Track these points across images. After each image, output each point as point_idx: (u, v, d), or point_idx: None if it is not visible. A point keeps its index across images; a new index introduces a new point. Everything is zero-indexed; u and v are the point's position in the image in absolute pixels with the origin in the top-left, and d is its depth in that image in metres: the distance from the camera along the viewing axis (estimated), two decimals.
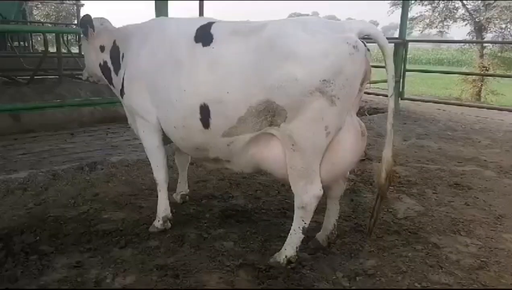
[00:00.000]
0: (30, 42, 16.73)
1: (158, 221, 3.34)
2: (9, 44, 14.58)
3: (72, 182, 4.18)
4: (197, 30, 2.87)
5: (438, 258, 3.09)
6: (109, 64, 3.46)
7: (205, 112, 2.75)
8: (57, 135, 6.54)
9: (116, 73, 3.41)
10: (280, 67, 2.50)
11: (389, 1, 19.53)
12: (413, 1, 17.08)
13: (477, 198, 4.31)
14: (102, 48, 3.48)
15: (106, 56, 3.47)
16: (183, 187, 3.94)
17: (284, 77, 2.49)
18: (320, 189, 2.72)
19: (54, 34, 12.53)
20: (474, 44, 18.00)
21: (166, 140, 3.31)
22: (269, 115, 2.61)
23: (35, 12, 25.67)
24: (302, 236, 2.86)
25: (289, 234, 2.91)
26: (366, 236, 3.38)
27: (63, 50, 11.41)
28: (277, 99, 2.54)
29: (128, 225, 3.43)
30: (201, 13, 8.77)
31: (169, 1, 5.10)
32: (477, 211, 3.98)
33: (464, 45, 19.35)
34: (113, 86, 3.54)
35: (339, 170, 2.79)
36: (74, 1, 21.46)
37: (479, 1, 17.17)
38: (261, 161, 2.84)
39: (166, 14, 4.93)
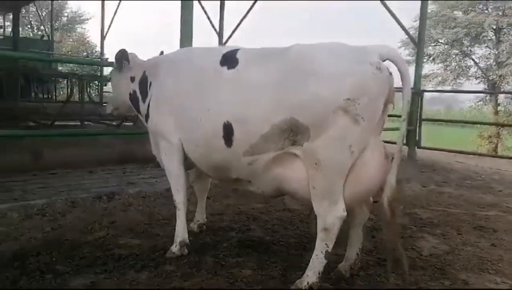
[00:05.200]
0: (54, 93, 17.45)
1: (175, 246, 3.27)
2: (33, 93, 15.25)
3: (89, 209, 4.17)
4: (223, 55, 2.98)
5: None
6: (138, 93, 3.58)
7: (228, 130, 2.78)
8: (76, 173, 6.60)
9: (143, 101, 3.51)
10: (304, 86, 2.55)
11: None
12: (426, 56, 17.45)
13: (503, 239, 4.15)
14: (132, 79, 3.62)
15: (135, 86, 3.60)
16: (200, 216, 3.90)
17: (307, 96, 2.53)
18: (343, 210, 2.65)
19: (78, 84, 13.06)
20: (489, 101, 18.14)
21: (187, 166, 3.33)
22: (292, 134, 2.62)
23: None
24: (325, 261, 2.75)
25: (311, 259, 2.80)
26: (390, 270, 3.24)
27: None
28: (300, 117, 2.56)
29: (144, 250, 3.36)
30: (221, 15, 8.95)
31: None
32: (504, 251, 3.82)
33: (478, 101, 19.41)
34: (140, 114, 3.62)
35: (363, 191, 2.74)
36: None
37: (492, 60, 17.52)
38: (283, 181, 2.81)
39: (191, 14, 5.16)
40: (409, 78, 2.66)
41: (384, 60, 2.61)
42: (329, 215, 2.65)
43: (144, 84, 3.52)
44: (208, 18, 9.39)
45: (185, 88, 3.05)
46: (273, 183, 2.86)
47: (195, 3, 5.49)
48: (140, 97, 3.56)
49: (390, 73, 2.64)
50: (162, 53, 3.85)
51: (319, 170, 2.59)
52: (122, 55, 3.56)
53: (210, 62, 2.99)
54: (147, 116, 3.39)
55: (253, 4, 8.29)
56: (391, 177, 2.66)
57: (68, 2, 38.05)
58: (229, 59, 2.90)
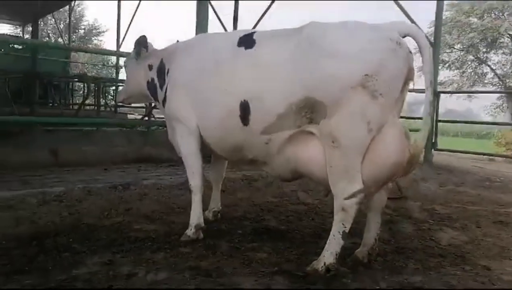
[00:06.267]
0: (71, 100, 17.77)
1: (191, 229, 3.26)
2: (50, 101, 15.55)
3: (106, 197, 4.20)
4: (240, 37, 3.00)
5: (490, 278, 2.86)
6: (156, 81, 3.60)
7: (244, 109, 2.79)
8: (91, 170, 6.67)
9: (161, 88, 3.53)
10: (321, 63, 2.54)
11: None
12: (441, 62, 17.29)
13: None
14: (150, 67, 3.65)
15: (153, 74, 3.62)
16: (215, 204, 3.89)
17: (325, 73, 2.52)
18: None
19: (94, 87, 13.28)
20: (506, 108, 17.85)
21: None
22: (309, 112, 2.61)
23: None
24: (342, 242, 2.71)
25: (328, 240, 2.76)
26: (409, 257, 3.19)
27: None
28: (317, 95, 2.55)
29: (160, 235, 3.36)
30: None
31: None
32: None
33: (495, 108, 19.05)
34: (157, 101, 3.64)
35: (382, 171, 2.69)
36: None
37: (508, 66, 17.28)
38: (300, 162, 2.79)
39: (206, 15, 5.19)
40: (430, 53, 2.62)
41: (404, 36, 2.59)
42: (347, 195, 2.62)
43: (162, 72, 3.54)
44: (221, 21, 9.48)
45: (202, 70, 3.07)
46: (289, 164, 2.84)
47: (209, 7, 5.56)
48: (158, 84, 3.58)
49: (410, 52, 2.62)
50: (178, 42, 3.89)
51: (337, 148, 2.57)
52: (141, 42, 3.60)
53: (227, 44, 3.01)
54: (164, 101, 3.41)
55: (270, 5, 8.36)
56: (421, 136, 2.65)
57: (86, 14, 38.93)
58: (246, 40, 2.92)
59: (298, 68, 2.62)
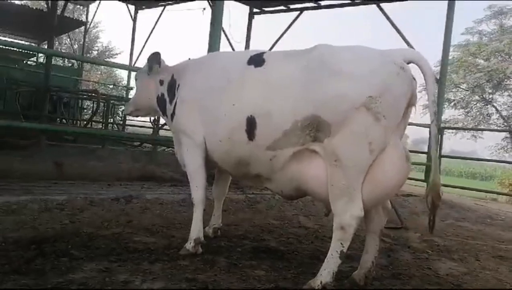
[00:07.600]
0: (79, 117, 18.01)
1: (190, 243, 3.28)
2: (58, 120, 15.77)
3: (107, 209, 4.24)
4: (251, 57, 3.11)
5: None
6: (166, 96, 3.68)
7: (251, 124, 2.86)
8: (95, 184, 6.71)
9: (170, 103, 3.61)
10: (327, 83, 2.63)
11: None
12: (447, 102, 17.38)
13: None
14: (161, 82, 3.75)
15: (163, 89, 3.72)
16: (216, 221, 3.90)
17: (331, 93, 2.60)
18: (361, 210, 2.65)
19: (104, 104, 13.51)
20: (510, 149, 17.85)
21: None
22: (314, 130, 2.67)
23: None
24: (340, 261, 2.72)
25: (326, 259, 2.77)
26: (406, 283, 3.18)
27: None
28: (323, 114, 2.62)
29: (159, 247, 3.38)
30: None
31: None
32: None
33: (499, 149, 19.02)
34: (166, 115, 3.72)
35: (382, 192, 2.73)
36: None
37: None
38: (303, 180, 2.84)
39: (220, 18, 5.27)
40: (433, 79, 2.71)
41: (408, 63, 2.68)
42: (346, 214, 2.65)
43: (172, 87, 3.62)
44: (233, 49, 9.79)
45: (212, 86, 3.17)
46: (292, 181, 2.88)
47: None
48: (167, 99, 3.66)
49: (414, 78, 2.71)
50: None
51: (338, 167, 2.62)
52: (155, 58, 3.71)
53: (237, 62, 3.12)
54: (172, 115, 3.49)
55: (283, 33, 8.66)
56: (433, 175, 2.77)
57: (100, 36, 39.90)
58: (256, 59, 3.03)
59: (305, 87, 2.70)
